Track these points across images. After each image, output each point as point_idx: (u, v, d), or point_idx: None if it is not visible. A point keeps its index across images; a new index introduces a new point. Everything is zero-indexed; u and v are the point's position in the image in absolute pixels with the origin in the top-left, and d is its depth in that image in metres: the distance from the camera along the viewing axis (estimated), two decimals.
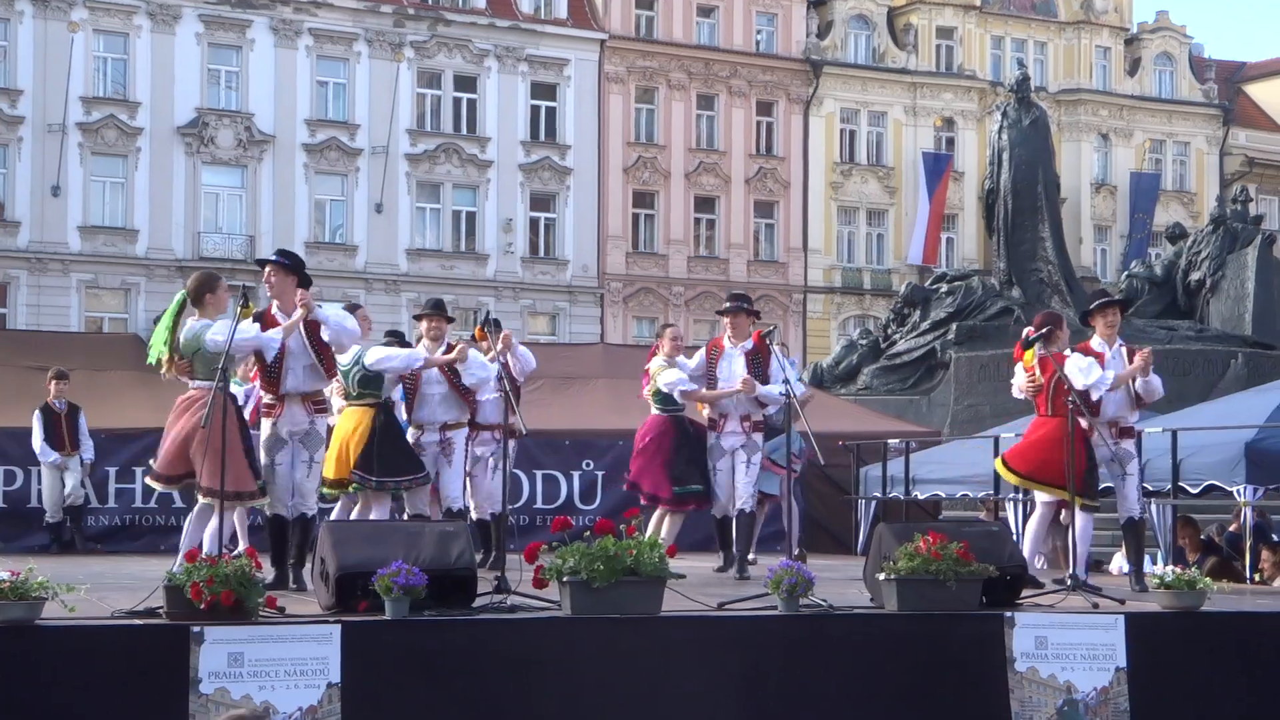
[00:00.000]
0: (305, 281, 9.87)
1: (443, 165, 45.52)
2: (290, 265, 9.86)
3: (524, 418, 10.61)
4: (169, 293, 41.84)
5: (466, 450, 11.52)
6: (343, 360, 10.55)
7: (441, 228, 45.89)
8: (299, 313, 9.56)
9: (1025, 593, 8.75)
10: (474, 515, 12.14)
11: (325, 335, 9.64)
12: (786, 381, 10.51)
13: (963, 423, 23.25)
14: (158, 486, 9.93)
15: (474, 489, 12.20)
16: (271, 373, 9.61)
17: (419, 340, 11.65)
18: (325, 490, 10.73)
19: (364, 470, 10.75)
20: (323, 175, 44.37)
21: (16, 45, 41.20)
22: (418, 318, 11.53)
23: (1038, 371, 10.58)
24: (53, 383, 15.34)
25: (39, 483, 15.59)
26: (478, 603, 7.80)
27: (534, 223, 46.95)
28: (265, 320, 9.63)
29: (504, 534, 9.56)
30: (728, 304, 11.97)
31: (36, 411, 15.31)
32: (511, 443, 12.59)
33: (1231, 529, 14.78)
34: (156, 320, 9.94)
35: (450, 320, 11.46)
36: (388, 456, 10.80)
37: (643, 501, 12.00)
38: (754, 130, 49.69)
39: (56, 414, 15.30)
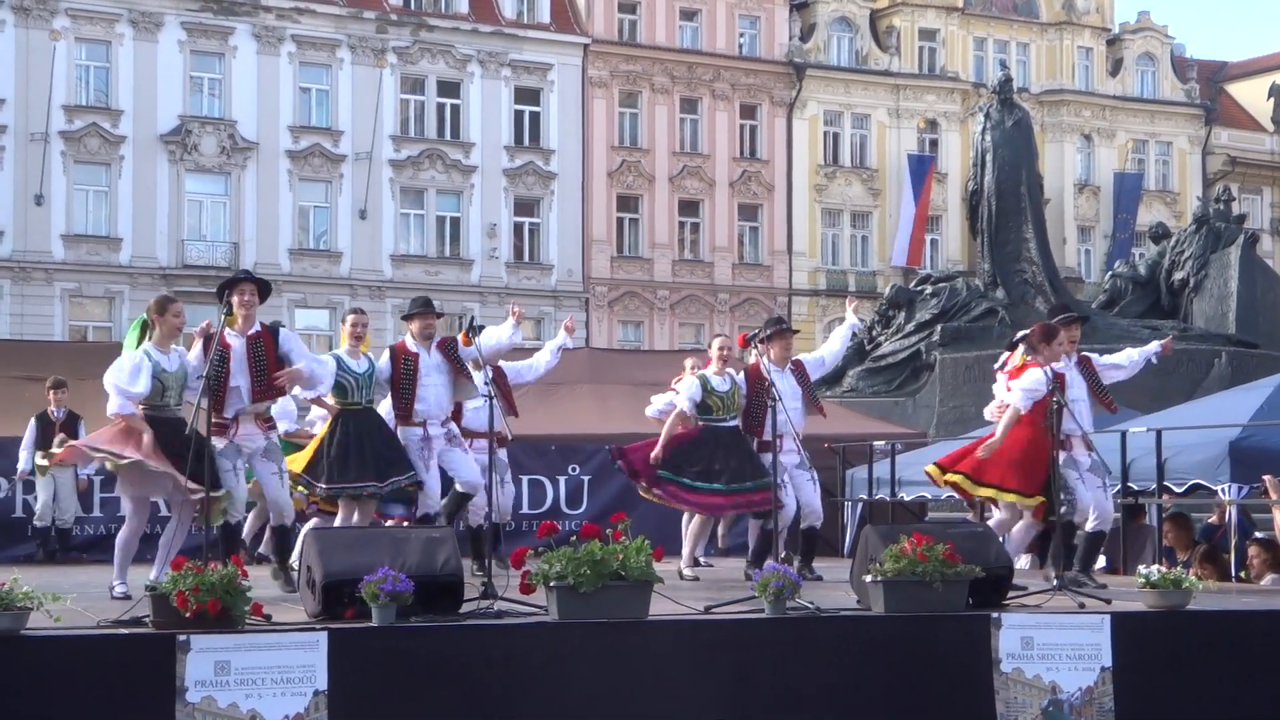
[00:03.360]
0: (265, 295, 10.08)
1: (426, 171, 45.50)
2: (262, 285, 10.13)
3: (509, 422, 10.58)
4: None
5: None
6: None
7: (426, 233, 45.86)
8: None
9: (1012, 593, 8.76)
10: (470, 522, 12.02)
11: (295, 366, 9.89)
12: (773, 385, 10.51)
13: (948, 424, 23.26)
14: None
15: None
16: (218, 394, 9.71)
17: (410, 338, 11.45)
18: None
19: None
20: (306, 182, 44.34)
21: None
22: (407, 317, 11.35)
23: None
24: (50, 391, 15.26)
25: (25, 493, 15.54)
26: (465, 609, 7.80)
27: (518, 227, 46.95)
28: (221, 344, 9.63)
29: (488, 540, 9.58)
30: (770, 330, 11.99)
31: (32, 419, 15.27)
32: (502, 451, 12.61)
33: (1211, 520, 14.80)
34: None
35: (440, 316, 11.24)
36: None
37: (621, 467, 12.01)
38: (738, 133, 49.74)
39: (52, 422, 15.25)
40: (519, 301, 11.75)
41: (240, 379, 9.79)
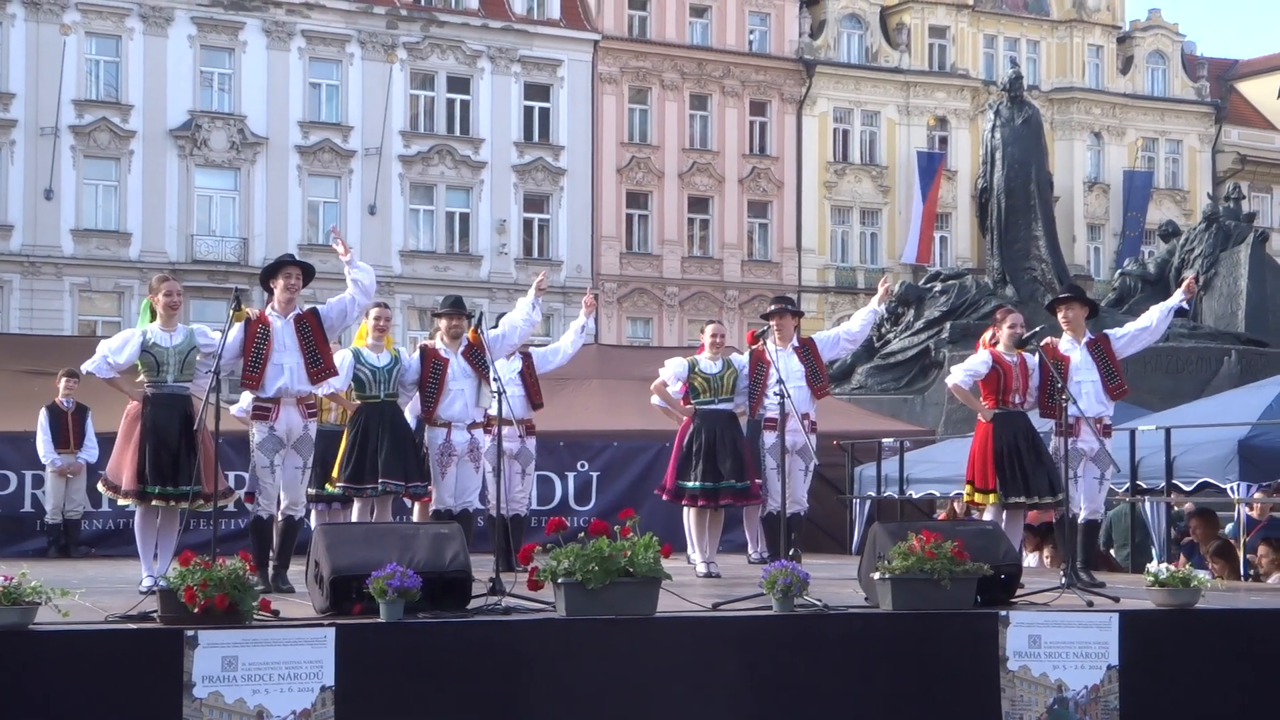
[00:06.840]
0: (309, 278, 9.95)
1: (436, 167, 45.51)
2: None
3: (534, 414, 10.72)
4: None
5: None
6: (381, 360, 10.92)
7: (435, 229, 45.87)
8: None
9: (1020, 591, 8.76)
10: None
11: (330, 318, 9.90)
12: (781, 382, 10.48)
13: (956, 422, 23.19)
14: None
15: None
16: (254, 373, 9.59)
17: (433, 336, 11.47)
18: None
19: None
20: (316, 177, 44.35)
21: (8, 48, 41.17)
22: (437, 315, 11.34)
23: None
24: (62, 381, 15.23)
25: (34, 487, 15.55)
26: (472, 605, 7.80)
27: (528, 224, 46.95)
28: (258, 322, 9.65)
29: (499, 532, 9.60)
30: (773, 307, 12.14)
31: (42, 410, 15.24)
32: (531, 441, 12.64)
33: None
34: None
35: (470, 317, 11.22)
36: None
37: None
38: (747, 130, 49.71)
39: (63, 413, 15.24)
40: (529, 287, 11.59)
41: (288, 358, 9.61)
